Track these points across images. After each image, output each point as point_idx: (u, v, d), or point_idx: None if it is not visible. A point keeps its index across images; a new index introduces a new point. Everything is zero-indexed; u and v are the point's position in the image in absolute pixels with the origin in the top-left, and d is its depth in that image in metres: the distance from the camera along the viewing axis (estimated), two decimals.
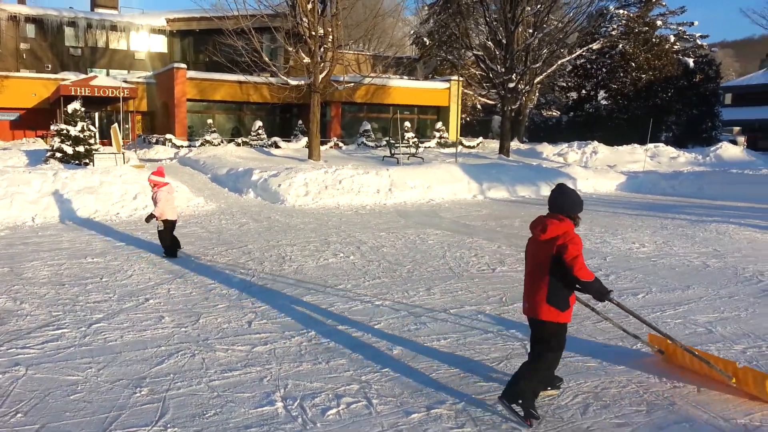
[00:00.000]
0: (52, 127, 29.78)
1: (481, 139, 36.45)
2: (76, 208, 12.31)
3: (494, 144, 37.76)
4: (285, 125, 34.92)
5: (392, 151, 23.99)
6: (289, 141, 30.56)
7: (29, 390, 4.16)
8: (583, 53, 36.72)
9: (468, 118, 45.51)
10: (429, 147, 31.90)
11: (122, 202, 12.92)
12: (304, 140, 30.00)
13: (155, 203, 8.56)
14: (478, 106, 45.64)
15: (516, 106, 26.14)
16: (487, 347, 5.03)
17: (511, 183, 17.64)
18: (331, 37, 20.69)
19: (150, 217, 8.59)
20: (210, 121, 30.87)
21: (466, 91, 39.20)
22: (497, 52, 25.59)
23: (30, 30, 39.41)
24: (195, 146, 27.15)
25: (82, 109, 16.67)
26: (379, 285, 7.10)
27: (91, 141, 16.62)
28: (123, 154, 16.22)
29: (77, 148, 16.22)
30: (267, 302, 6.33)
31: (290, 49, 20.13)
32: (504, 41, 25.22)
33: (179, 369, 4.54)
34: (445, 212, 13.78)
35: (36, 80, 33.74)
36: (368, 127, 33.51)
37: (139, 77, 35.06)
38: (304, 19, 19.83)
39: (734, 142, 40.43)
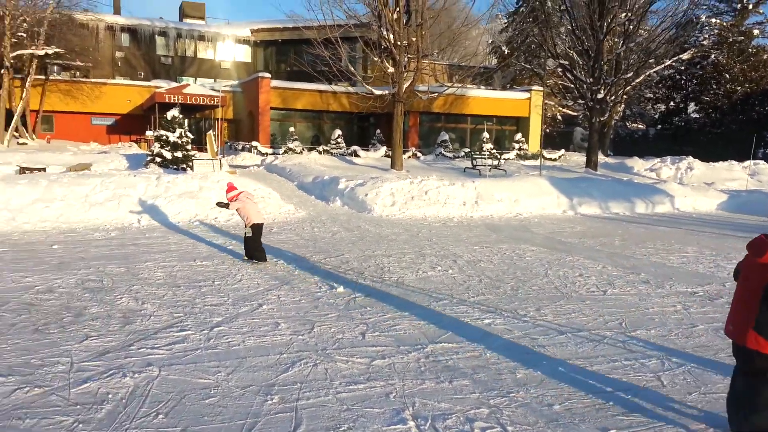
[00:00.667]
0: (147, 133, 31.41)
1: (563, 151, 35.48)
2: (177, 211, 12.82)
3: (576, 157, 36.67)
4: (362, 134, 35.34)
5: (474, 163, 23.69)
6: (367, 150, 30.81)
7: (165, 391, 4.27)
8: (673, 63, 35.17)
9: (548, 130, 44.46)
10: (508, 159, 31.34)
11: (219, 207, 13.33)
12: (383, 150, 30.23)
13: (240, 213, 8.72)
14: (559, 117, 44.57)
15: (604, 118, 25.23)
16: (617, 376, 4.76)
17: (602, 198, 17.00)
18: (415, 46, 20.72)
19: (221, 204, 8.94)
20: (292, 129, 31.66)
21: (547, 101, 38.37)
22: (583, 62, 24.83)
23: (125, 39, 41.83)
24: (279, 153, 27.87)
25: (180, 116, 17.41)
26: (484, 302, 6.93)
27: (188, 147, 17.33)
28: (219, 160, 16.86)
29: (175, 154, 16.95)
30: (375, 314, 6.29)
31: (376, 58, 20.31)
32: (591, 51, 24.45)
33: (305, 378, 4.55)
34: (536, 227, 13.41)
35: (131, 87, 35.72)
36: (446, 137, 33.41)
37: (224, 86, 36.37)
38: (390, 28, 19.98)
39: None
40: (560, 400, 4.31)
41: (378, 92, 21.69)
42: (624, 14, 23.86)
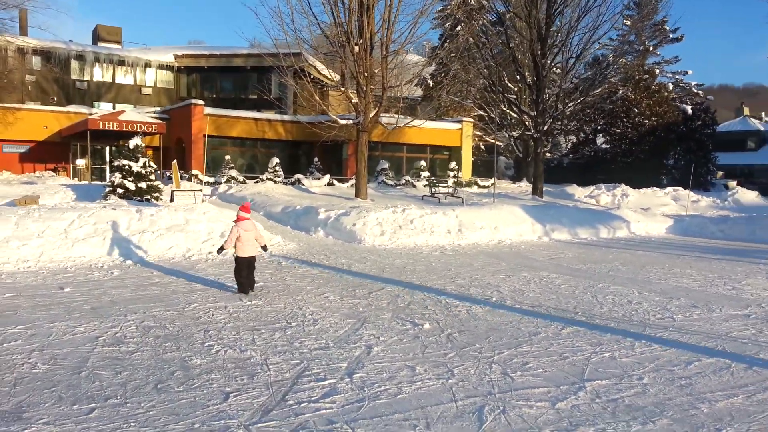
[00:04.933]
0: (78, 161, 29.12)
1: (494, 179, 36.82)
2: (168, 246, 11.88)
3: (505, 184, 38.19)
4: (294, 162, 34.76)
5: (432, 191, 23.96)
6: (307, 178, 30.28)
7: None
8: (586, 98, 37.88)
9: (472, 159, 46.05)
10: (447, 186, 32.04)
11: (210, 240, 12.51)
12: (326, 178, 29.88)
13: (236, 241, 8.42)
14: (482, 147, 46.33)
15: (547, 149, 26.52)
16: None
17: (571, 225, 17.72)
18: (378, 78, 20.80)
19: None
20: (228, 157, 30.59)
21: (475, 132, 39.83)
22: (528, 96, 26.09)
23: (36, 62, 38.91)
24: (220, 182, 26.75)
25: (143, 144, 16.26)
26: (576, 333, 6.90)
27: (152, 177, 16.17)
28: (201, 191, 15.81)
29: (139, 184, 15.75)
30: (491, 351, 6.07)
31: (343, 89, 20.16)
32: (533, 87, 25.75)
33: (511, 428, 4.25)
34: (531, 254, 13.68)
35: (48, 113, 33.10)
36: (386, 165, 33.68)
37: (148, 112, 34.61)
38: (354, 60, 19.95)
39: (726, 187, 41.85)
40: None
41: (343, 121, 21.45)
42: (562, 55, 25.42)
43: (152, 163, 16.36)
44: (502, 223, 16.71)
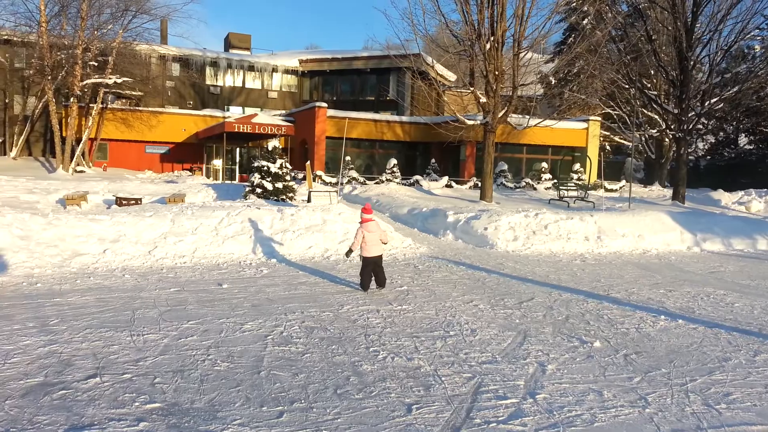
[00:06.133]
0: (215, 162, 31.02)
1: (623, 182, 34.68)
2: (308, 246, 12.10)
3: (635, 187, 35.83)
4: (409, 163, 34.74)
5: (560, 194, 22.92)
6: (424, 179, 30.11)
7: None
8: (737, 94, 34.57)
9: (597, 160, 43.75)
10: (576, 189, 30.56)
11: (346, 240, 12.57)
12: (444, 179, 29.55)
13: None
14: (608, 148, 43.93)
15: (691, 149, 24.49)
16: None
17: (725, 235, 16.11)
18: (508, 76, 20.18)
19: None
20: (348, 158, 31.08)
21: (601, 131, 37.73)
22: (671, 93, 24.18)
23: (175, 69, 41.80)
24: (342, 182, 27.29)
25: (280, 146, 16.83)
26: None
27: (287, 178, 16.70)
28: (338, 192, 16.21)
29: (276, 185, 16.32)
30: (680, 376, 5.45)
31: (471, 88, 19.78)
32: (677, 82, 23.83)
33: None
34: (685, 266, 12.52)
35: (186, 116, 35.49)
36: (505, 167, 32.79)
37: (275, 115, 36.04)
38: (485, 58, 19.46)
39: None
40: None
41: (470, 122, 21.06)
42: (709, 47, 23.34)
43: (288, 165, 16.88)
44: (646, 231, 15.52)
